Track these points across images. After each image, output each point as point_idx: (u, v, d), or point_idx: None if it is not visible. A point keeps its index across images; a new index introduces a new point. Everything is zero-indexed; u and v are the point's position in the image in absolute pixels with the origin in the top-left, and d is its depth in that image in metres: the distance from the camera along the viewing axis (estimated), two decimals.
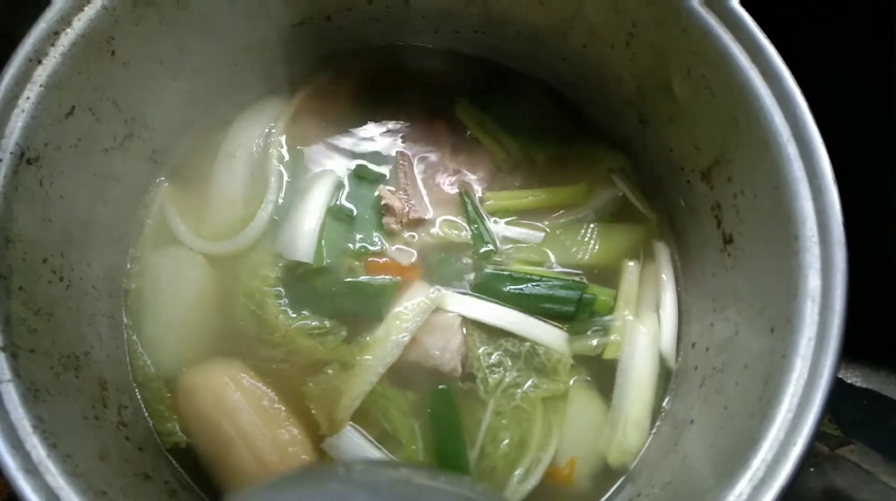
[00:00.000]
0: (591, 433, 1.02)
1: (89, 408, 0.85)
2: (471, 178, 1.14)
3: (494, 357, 1.03)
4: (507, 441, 1.00)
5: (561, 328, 1.06)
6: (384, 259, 1.08)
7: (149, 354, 1.02)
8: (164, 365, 1.02)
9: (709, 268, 1.00)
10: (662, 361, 1.05)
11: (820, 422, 0.73)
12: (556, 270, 1.10)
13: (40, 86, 0.82)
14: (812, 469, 1.22)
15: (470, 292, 1.07)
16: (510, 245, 1.11)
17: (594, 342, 1.06)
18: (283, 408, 1.00)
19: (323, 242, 1.06)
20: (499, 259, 1.09)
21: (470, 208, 1.12)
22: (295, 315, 1.03)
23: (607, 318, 1.07)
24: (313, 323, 1.03)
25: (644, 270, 1.11)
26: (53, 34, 0.83)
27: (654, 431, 1.02)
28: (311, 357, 1.02)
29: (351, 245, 1.08)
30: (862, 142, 1.10)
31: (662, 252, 1.11)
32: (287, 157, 1.12)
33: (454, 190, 1.14)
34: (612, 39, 1.01)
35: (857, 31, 1.19)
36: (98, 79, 0.89)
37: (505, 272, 1.08)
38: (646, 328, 1.05)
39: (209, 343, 1.03)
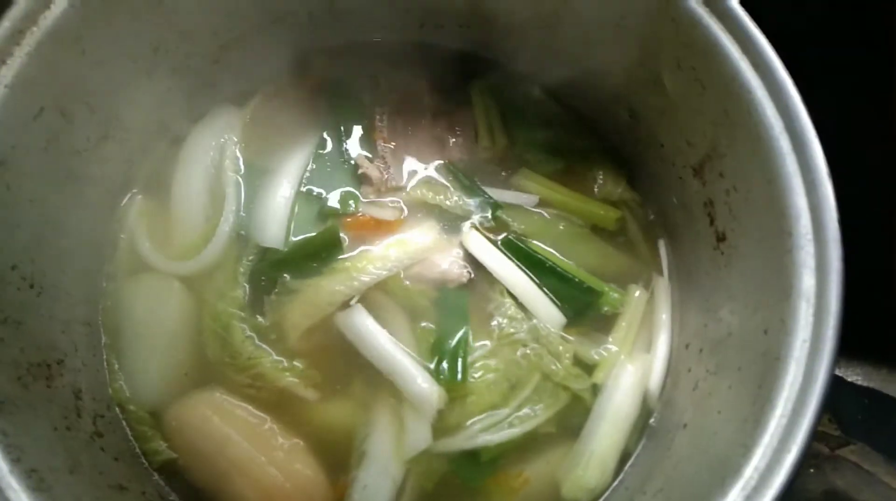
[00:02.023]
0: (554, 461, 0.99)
1: (61, 419, 0.83)
2: (451, 147, 1.13)
3: (510, 309, 1.02)
4: (492, 375, 0.99)
5: (561, 311, 1.03)
6: (360, 214, 1.07)
7: (129, 384, 0.99)
8: (146, 396, 0.99)
9: (702, 267, 0.97)
10: (645, 400, 1.01)
11: (815, 428, 0.70)
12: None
13: (5, 86, 0.79)
14: (812, 470, 1.19)
15: (489, 238, 1.07)
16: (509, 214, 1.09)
17: (591, 351, 1.03)
18: (271, 420, 0.97)
19: (293, 223, 1.05)
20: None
21: (460, 176, 1.10)
22: (260, 346, 1.00)
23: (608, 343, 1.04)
24: (275, 357, 1.00)
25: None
26: (18, 33, 0.80)
27: (617, 480, 0.99)
28: (276, 385, 0.98)
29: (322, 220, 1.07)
30: (860, 136, 1.07)
31: (664, 289, 1.07)
32: (243, 166, 1.09)
33: (435, 156, 1.12)
34: (600, 32, 0.98)
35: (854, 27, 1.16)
36: (68, 79, 0.87)
37: (523, 245, 1.06)
38: (634, 368, 1.01)
39: (190, 371, 1.00)
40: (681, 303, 1.04)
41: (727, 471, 0.72)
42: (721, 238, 0.91)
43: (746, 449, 0.71)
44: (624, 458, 0.99)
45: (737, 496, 0.69)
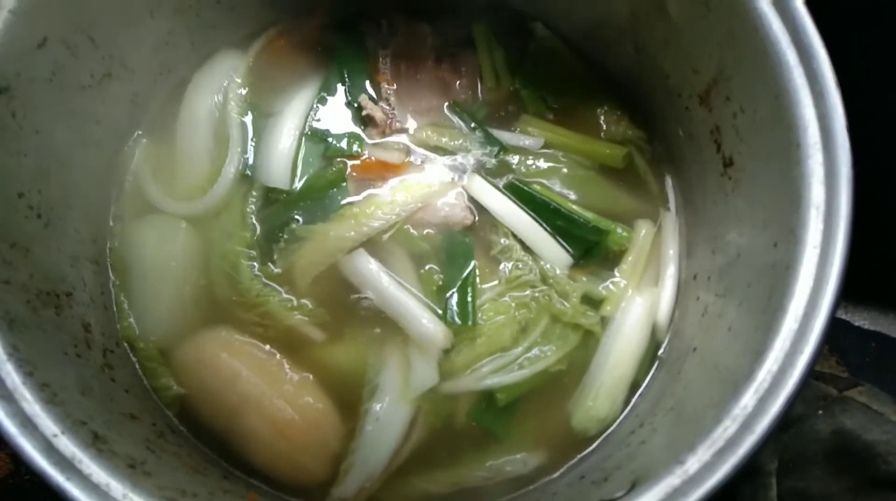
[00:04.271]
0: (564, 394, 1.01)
1: (70, 346, 0.83)
2: (455, 88, 1.12)
3: (517, 252, 1.02)
4: (501, 317, 0.99)
5: (568, 252, 1.03)
6: (366, 157, 1.07)
7: (138, 323, 0.99)
8: (156, 334, 0.99)
9: (709, 196, 0.97)
10: (653, 332, 1.01)
11: (827, 332, 0.70)
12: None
13: (9, 11, 0.79)
14: (820, 412, 1.19)
15: (492, 182, 1.06)
16: (513, 156, 1.08)
17: (599, 286, 1.03)
18: (281, 356, 0.98)
19: (299, 164, 1.05)
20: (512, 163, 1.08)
21: (465, 117, 1.10)
22: (268, 284, 1.00)
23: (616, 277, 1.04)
24: (284, 296, 1.00)
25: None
26: None
27: (627, 409, 0.99)
28: (284, 324, 0.98)
29: (327, 161, 1.07)
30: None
31: (671, 224, 1.06)
32: (247, 108, 1.09)
33: (439, 98, 1.11)
34: None
35: None
36: (71, 10, 0.86)
37: (526, 187, 1.05)
38: (642, 300, 1.01)
39: (199, 310, 1.00)
40: (688, 236, 1.04)
41: (739, 379, 0.71)
42: (728, 163, 0.91)
43: (758, 355, 0.71)
44: (633, 388, 0.99)
45: (750, 399, 0.69)
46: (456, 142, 1.08)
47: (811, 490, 1.11)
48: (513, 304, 1.01)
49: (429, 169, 1.07)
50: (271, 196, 1.04)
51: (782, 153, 0.78)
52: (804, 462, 1.13)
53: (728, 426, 0.68)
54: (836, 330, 0.70)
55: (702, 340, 0.90)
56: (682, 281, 1.03)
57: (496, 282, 1.02)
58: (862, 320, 1.35)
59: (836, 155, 0.73)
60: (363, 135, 1.08)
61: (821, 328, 0.69)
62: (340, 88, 1.11)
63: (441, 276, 1.02)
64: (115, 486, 0.65)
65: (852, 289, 0.72)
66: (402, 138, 1.09)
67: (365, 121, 1.08)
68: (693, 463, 0.68)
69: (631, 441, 0.89)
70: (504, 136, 1.09)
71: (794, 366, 0.68)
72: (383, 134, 1.08)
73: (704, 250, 0.98)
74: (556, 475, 0.96)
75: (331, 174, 1.05)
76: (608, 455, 0.92)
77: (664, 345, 1.01)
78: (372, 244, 1.02)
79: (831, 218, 0.72)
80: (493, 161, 1.08)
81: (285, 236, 1.01)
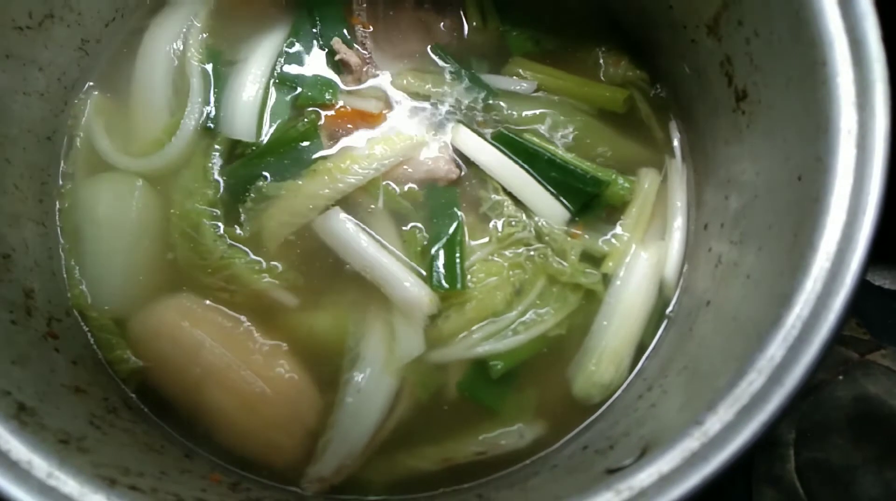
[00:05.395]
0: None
1: (4, 312, 0.74)
2: (437, 30, 1.03)
3: (508, 207, 0.94)
4: (493, 279, 0.91)
5: (565, 207, 0.95)
6: (340, 106, 0.97)
7: (91, 290, 0.90)
8: (110, 303, 0.91)
9: (720, 136, 0.88)
10: (661, 290, 0.93)
11: (865, 268, 0.61)
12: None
13: None
14: (841, 378, 1.13)
15: (479, 132, 0.97)
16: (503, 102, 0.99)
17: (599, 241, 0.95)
18: (249, 323, 0.89)
19: (266, 115, 0.97)
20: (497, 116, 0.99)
21: (449, 61, 1.01)
22: (233, 245, 0.92)
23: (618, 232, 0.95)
24: (251, 257, 0.92)
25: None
26: None
27: (634, 373, 0.91)
28: (252, 288, 0.90)
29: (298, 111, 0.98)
30: None
31: (677, 173, 0.98)
32: (209, 56, 0.99)
33: (420, 41, 1.02)
34: None
35: None
36: None
37: (517, 137, 0.97)
38: (648, 255, 0.93)
39: (158, 276, 0.92)
40: (696, 184, 0.96)
41: (763, 328, 0.63)
42: (741, 97, 0.82)
43: (785, 299, 0.62)
44: (640, 350, 0.91)
45: (777, 348, 0.60)
46: (439, 88, 1.00)
47: (832, 460, 1.05)
48: (505, 264, 0.93)
49: (410, 119, 0.99)
50: (236, 150, 0.95)
51: (805, 75, 0.69)
52: (824, 432, 1.08)
53: (754, 380, 0.59)
54: None
55: (716, 292, 0.81)
56: (692, 232, 0.94)
57: (486, 241, 0.94)
58: (883, 279, 1.28)
59: (868, 70, 0.65)
60: (337, 82, 0.99)
61: (858, 265, 0.60)
62: (311, 32, 1.01)
63: (425, 235, 0.93)
64: (39, 463, 0.56)
65: (872, 247, 0.63)
66: (381, 85, 1.00)
67: (339, 67, 1.00)
68: (714, 424, 0.59)
69: (639, 406, 0.80)
70: (493, 80, 1.01)
71: (828, 309, 0.59)
72: (359, 81, 0.99)
73: (716, 195, 0.89)
74: (556, 446, 0.87)
75: (302, 125, 0.96)
76: (614, 422, 0.83)
77: (673, 302, 0.92)
78: (348, 202, 0.93)
79: (865, 140, 0.63)
80: (481, 109, 0.99)
81: (252, 195, 0.93)
